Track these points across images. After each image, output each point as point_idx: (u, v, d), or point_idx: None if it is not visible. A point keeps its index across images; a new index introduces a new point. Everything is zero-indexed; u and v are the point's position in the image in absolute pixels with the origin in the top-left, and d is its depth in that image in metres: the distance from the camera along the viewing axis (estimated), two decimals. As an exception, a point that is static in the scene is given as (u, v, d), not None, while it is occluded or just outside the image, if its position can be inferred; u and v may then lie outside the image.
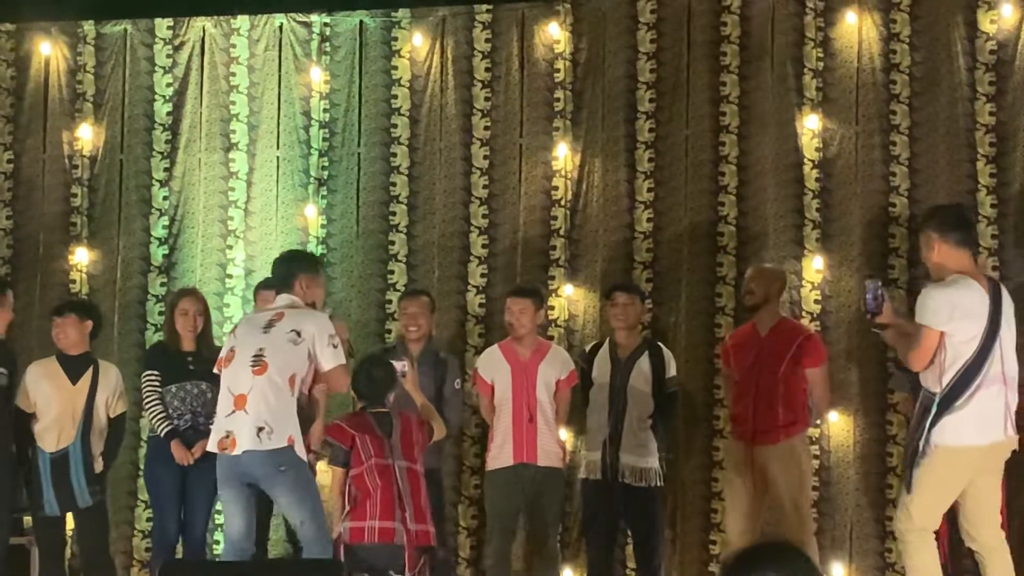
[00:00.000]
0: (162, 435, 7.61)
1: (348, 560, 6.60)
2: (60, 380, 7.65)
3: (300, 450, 6.49)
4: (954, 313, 6.07)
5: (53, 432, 7.57)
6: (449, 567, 7.72)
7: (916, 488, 6.15)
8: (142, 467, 8.26)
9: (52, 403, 7.62)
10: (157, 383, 7.68)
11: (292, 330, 6.52)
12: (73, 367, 7.68)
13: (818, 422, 8.08)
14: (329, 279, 8.73)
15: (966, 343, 6.08)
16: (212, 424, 7.50)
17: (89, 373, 7.68)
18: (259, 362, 6.51)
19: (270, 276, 7.36)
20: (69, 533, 7.94)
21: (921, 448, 6.13)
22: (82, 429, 7.59)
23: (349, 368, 6.81)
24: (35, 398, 7.63)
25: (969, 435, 6.10)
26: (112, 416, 7.77)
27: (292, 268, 6.83)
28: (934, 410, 6.13)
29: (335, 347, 6.55)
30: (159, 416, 7.63)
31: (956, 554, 7.33)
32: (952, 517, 7.10)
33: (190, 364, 7.63)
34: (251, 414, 6.45)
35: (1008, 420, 6.17)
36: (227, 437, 6.47)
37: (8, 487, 7.61)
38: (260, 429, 6.41)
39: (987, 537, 6.24)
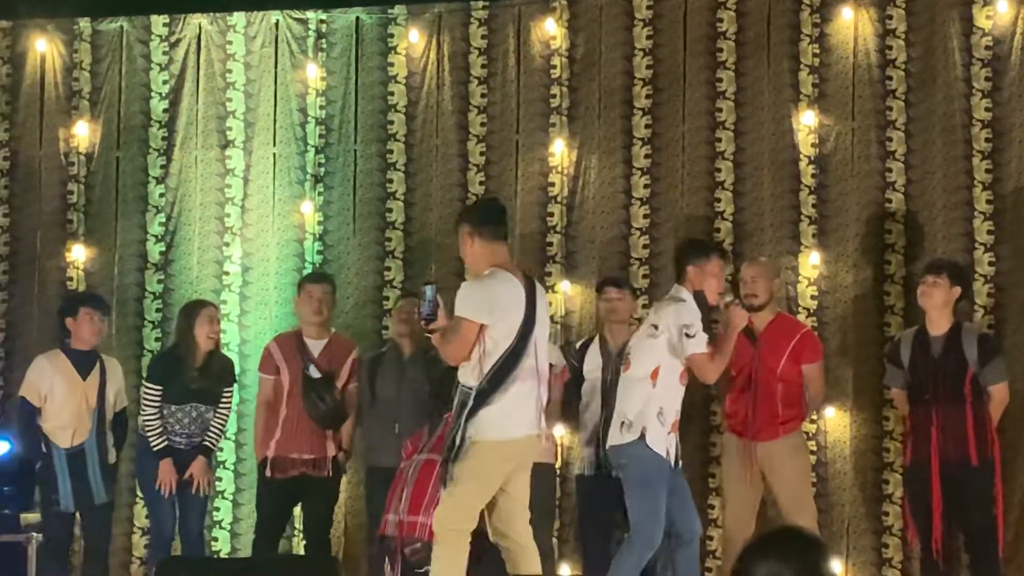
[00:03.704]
0: (155, 450, 7.71)
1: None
2: (70, 375, 7.71)
3: (652, 441, 6.72)
4: (493, 306, 6.05)
5: (68, 428, 7.64)
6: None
7: (457, 484, 6.09)
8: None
9: (65, 399, 7.68)
10: (158, 400, 7.76)
11: (651, 324, 6.85)
12: (81, 362, 7.74)
13: (813, 417, 8.15)
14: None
15: (504, 337, 6.06)
16: (206, 439, 7.73)
17: (97, 368, 7.76)
18: (625, 360, 6.94)
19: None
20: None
21: (458, 443, 6.07)
22: (96, 424, 7.68)
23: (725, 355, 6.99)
24: (45, 392, 7.68)
25: (504, 429, 6.06)
26: (116, 411, 7.86)
27: (680, 259, 7.12)
28: (470, 404, 6.07)
29: (690, 336, 6.71)
30: (155, 432, 7.73)
31: (948, 546, 7.46)
32: (946, 509, 7.32)
33: (192, 383, 7.69)
34: (616, 411, 6.81)
35: (540, 415, 6.19)
36: None
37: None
38: (622, 424, 6.78)
39: (517, 534, 6.25)
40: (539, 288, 6.27)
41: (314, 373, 7.70)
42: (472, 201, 8.74)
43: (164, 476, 7.66)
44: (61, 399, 7.69)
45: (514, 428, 6.08)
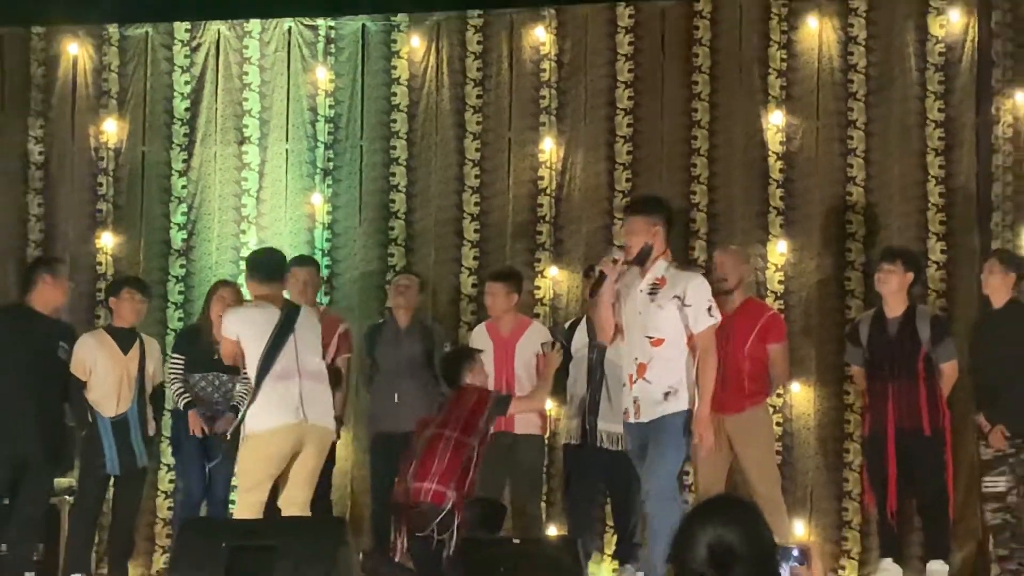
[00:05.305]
0: (181, 407, 7.99)
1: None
2: (113, 351, 7.87)
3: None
4: (239, 327, 7.09)
5: (112, 399, 7.80)
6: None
7: (240, 473, 7.10)
8: (165, 434, 8.57)
9: (109, 372, 7.81)
10: (181, 367, 8.04)
11: None
12: (122, 339, 7.92)
13: (779, 392, 8.30)
14: (334, 262, 9.03)
15: (255, 349, 7.02)
16: (235, 400, 7.92)
17: (137, 345, 7.96)
18: None
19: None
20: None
21: (241, 437, 7.08)
22: (137, 396, 7.87)
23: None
24: (91, 366, 7.80)
25: (263, 422, 6.98)
26: (155, 385, 8.09)
27: None
28: (245, 404, 7.13)
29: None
30: (178, 391, 8.01)
31: (903, 509, 7.75)
32: (901, 476, 7.48)
33: (214, 353, 7.74)
34: None
35: (301, 406, 7.01)
36: None
37: (67, 451, 7.99)
38: None
39: (293, 496, 7.07)
40: (304, 311, 7.25)
41: None
42: (471, 191, 8.98)
43: (193, 424, 7.91)
44: (104, 372, 7.79)
45: (271, 420, 6.97)
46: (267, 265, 7.34)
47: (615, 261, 6.67)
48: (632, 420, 6.66)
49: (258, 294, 7.25)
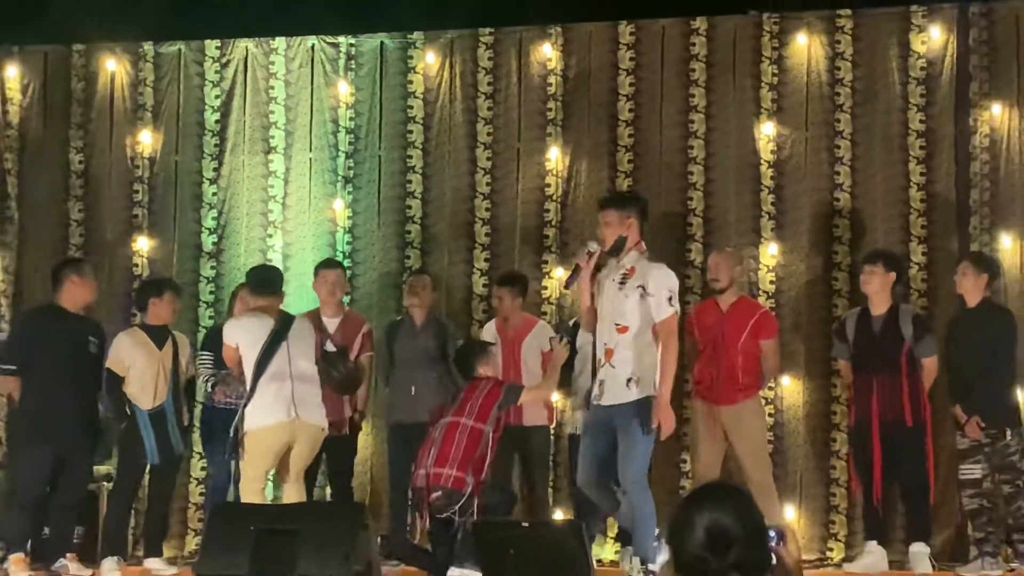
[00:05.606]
0: (210, 388, 8.36)
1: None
2: (149, 347, 8.15)
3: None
4: (238, 335, 7.54)
5: (149, 392, 8.06)
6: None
7: (243, 465, 7.47)
8: (196, 424, 8.72)
9: (146, 367, 8.07)
10: (210, 362, 8.39)
11: None
12: (156, 336, 8.22)
13: (770, 385, 8.54)
14: (354, 263, 9.28)
15: (251, 355, 7.45)
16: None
17: (170, 341, 8.24)
18: None
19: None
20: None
21: (239, 434, 7.43)
22: (172, 388, 8.14)
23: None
24: (128, 362, 8.06)
25: (257, 420, 7.40)
26: (187, 378, 8.38)
27: None
28: (243, 404, 7.47)
29: None
30: (207, 379, 8.37)
31: (887, 495, 7.94)
32: (885, 464, 7.67)
33: None
34: None
35: (293, 405, 7.41)
36: None
37: (100, 438, 8.22)
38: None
39: (289, 488, 7.57)
40: (297, 321, 7.65)
41: (330, 347, 7.89)
42: (482, 198, 9.21)
43: (219, 394, 8.28)
44: (141, 367, 8.04)
45: (266, 418, 7.39)
46: (262, 280, 7.82)
47: (590, 254, 6.77)
48: (596, 402, 6.77)
49: (255, 305, 7.69)
